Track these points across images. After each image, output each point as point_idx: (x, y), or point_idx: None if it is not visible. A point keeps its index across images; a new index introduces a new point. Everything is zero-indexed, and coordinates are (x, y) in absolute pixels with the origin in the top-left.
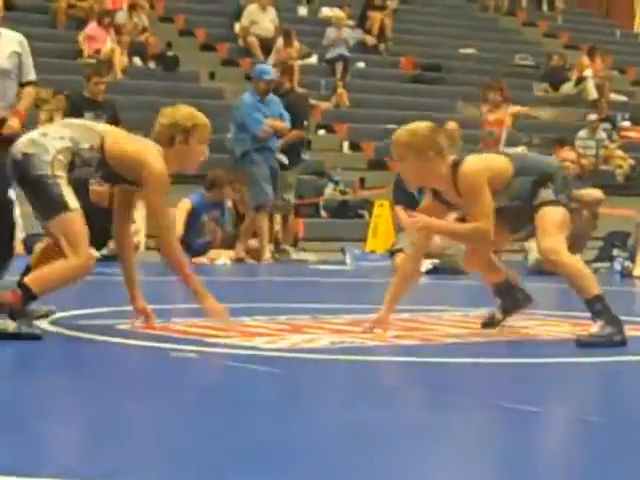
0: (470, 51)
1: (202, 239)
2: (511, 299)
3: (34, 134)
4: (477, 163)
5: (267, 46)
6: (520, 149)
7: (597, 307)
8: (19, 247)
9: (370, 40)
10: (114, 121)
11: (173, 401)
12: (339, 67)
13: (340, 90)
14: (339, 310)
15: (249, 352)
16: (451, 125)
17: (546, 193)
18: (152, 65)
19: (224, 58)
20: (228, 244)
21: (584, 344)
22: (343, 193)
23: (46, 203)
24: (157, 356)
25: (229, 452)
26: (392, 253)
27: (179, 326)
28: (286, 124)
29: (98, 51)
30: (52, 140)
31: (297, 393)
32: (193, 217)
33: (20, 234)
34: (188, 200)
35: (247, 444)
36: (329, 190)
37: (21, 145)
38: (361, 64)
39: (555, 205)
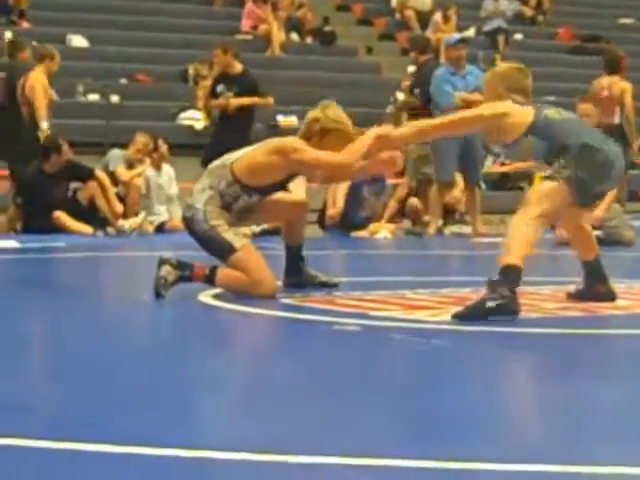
0: (629, 21)
1: (362, 213)
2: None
3: (187, 199)
4: (505, 102)
5: (424, 20)
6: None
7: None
8: (177, 223)
9: (527, 11)
10: (249, 94)
11: (337, 373)
12: (500, 39)
13: (498, 62)
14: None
15: (412, 325)
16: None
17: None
18: (309, 40)
19: (381, 32)
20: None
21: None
22: (503, 166)
23: (217, 251)
24: (320, 329)
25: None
26: (553, 225)
27: (342, 299)
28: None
29: (255, 27)
30: (197, 198)
31: (462, 366)
32: (353, 191)
33: (178, 209)
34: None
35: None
36: (489, 163)
37: (183, 211)
38: (519, 36)
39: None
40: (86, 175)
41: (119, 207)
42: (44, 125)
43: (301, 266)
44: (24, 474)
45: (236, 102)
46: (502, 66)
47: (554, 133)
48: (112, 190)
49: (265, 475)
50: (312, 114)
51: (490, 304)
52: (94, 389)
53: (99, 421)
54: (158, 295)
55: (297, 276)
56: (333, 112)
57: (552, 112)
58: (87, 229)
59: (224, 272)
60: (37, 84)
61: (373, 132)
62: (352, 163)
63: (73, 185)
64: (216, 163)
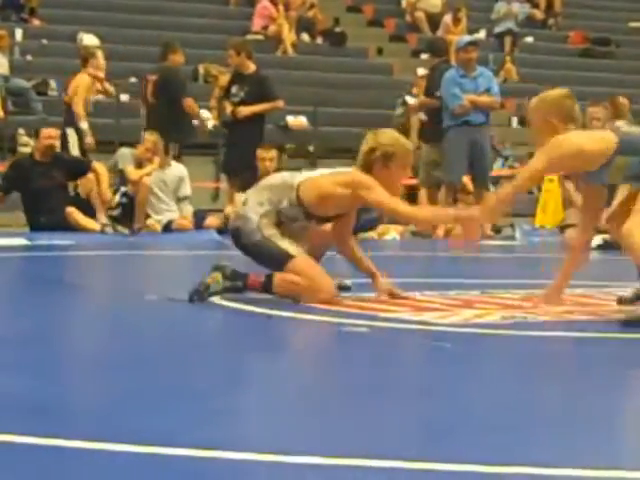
0: (639, 24)
1: (371, 214)
2: None
3: (240, 207)
4: (571, 136)
5: (434, 21)
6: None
7: None
8: (187, 221)
9: (538, 14)
10: (260, 97)
11: (347, 375)
12: (508, 41)
13: (508, 65)
14: (509, 285)
15: (420, 327)
16: (620, 100)
17: None
18: (320, 41)
19: (391, 34)
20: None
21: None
22: (512, 168)
23: (272, 261)
24: (328, 330)
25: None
26: (562, 229)
27: (351, 301)
28: (494, 99)
29: (266, 27)
30: (253, 209)
31: (471, 368)
32: None
33: (189, 208)
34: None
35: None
36: (498, 165)
37: (232, 219)
38: (530, 39)
39: None
40: (84, 168)
41: (108, 195)
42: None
43: None
44: (28, 471)
45: (245, 111)
46: (550, 94)
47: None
48: (107, 181)
49: (275, 476)
50: (367, 146)
51: None
52: (96, 387)
53: (108, 419)
54: (191, 300)
55: None
56: (386, 136)
57: (625, 127)
58: (94, 225)
59: (281, 277)
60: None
61: (458, 215)
62: (418, 221)
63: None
64: (278, 180)
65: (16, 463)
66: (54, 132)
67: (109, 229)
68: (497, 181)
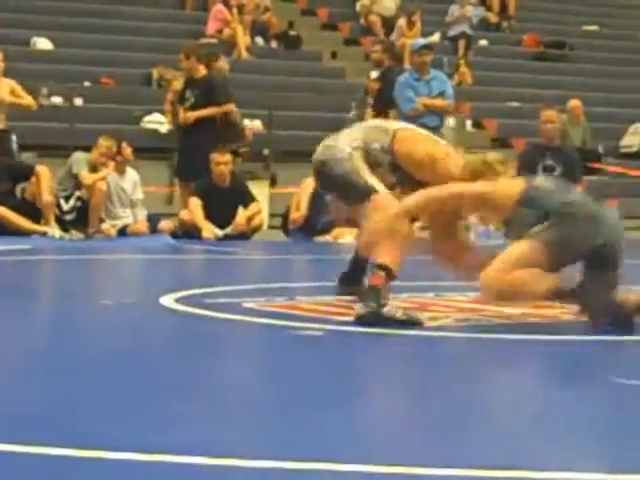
0: (593, 28)
1: (326, 217)
2: None
3: (326, 140)
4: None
5: (389, 25)
6: None
7: None
8: (142, 226)
9: (492, 18)
10: (210, 101)
11: (298, 379)
12: (462, 45)
13: (463, 68)
14: (463, 288)
15: (374, 330)
16: (573, 103)
17: None
18: (274, 45)
19: (346, 37)
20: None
21: None
22: None
23: (357, 195)
24: (282, 334)
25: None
26: None
27: (305, 304)
28: (448, 102)
29: (220, 31)
30: (344, 141)
31: (425, 370)
32: (317, 196)
33: (143, 212)
34: (312, 179)
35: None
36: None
37: (317, 154)
38: (484, 42)
39: None
40: (27, 172)
41: (48, 198)
42: None
43: (362, 278)
44: None
45: (192, 116)
46: (490, 157)
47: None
48: (47, 182)
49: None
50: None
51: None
52: (44, 392)
53: (54, 424)
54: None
55: (357, 287)
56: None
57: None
58: (38, 227)
59: (385, 259)
60: None
61: None
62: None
63: (21, 186)
64: (374, 124)
65: None
66: None
67: (56, 233)
68: None
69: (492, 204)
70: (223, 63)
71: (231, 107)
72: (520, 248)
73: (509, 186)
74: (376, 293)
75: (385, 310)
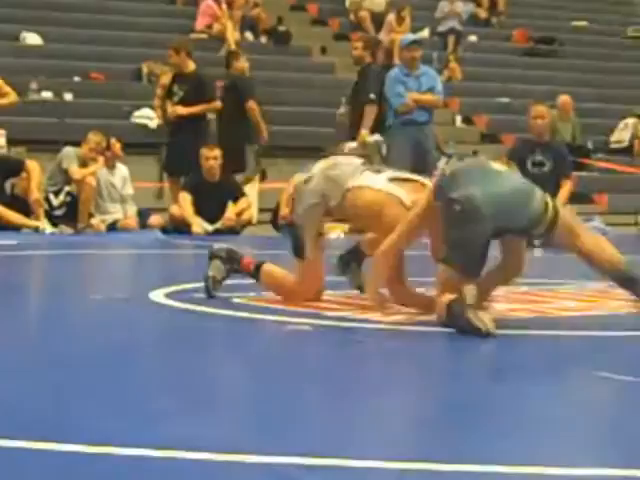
0: (583, 23)
1: None
2: None
3: (301, 174)
4: None
5: (378, 21)
6: None
7: None
8: (132, 221)
9: (482, 13)
10: (199, 97)
11: (284, 374)
12: (451, 40)
13: (452, 64)
14: None
15: (363, 325)
16: (563, 98)
17: None
18: (264, 40)
19: (335, 33)
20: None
21: None
22: None
23: (295, 247)
24: (272, 329)
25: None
26: None
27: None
28: (438, 98)
29: (209, 26)
30: (308, 195)
31: (412, 367)
32: None
33: (132, 208)
34: (302, 175)
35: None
36: (442, 164)
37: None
38: (473, 37)
39: None
40: (17, 168)
41: (36, 194)
42: None
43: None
44: None
45: (180, 111)
46: None
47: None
48: (37, 179)
49: (223, 475)
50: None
51: None
52: (36, 388)
53: (53, 419)
54: (210, 296)
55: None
56: None
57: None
58: (29, 222)
59: (267, 272)
60: None
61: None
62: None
63: (11, 181)
64: (338, 174)
65: None
66: None
67: (46, 228)
68: None
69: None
70: (244, 62)
71: (218, 104)
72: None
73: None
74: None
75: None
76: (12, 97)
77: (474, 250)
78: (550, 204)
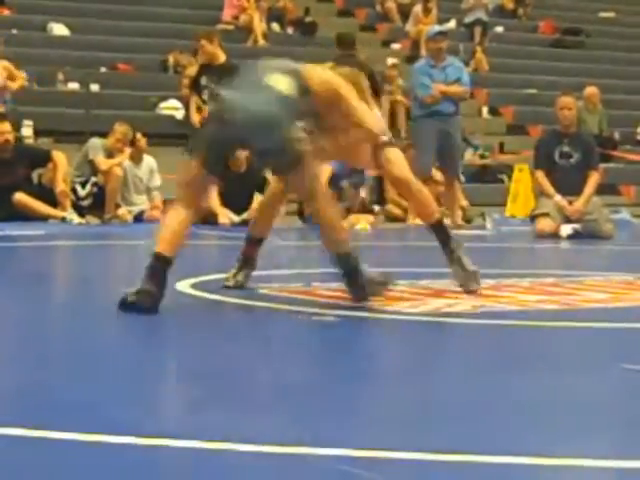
0: (610, 15)
1: (342, 204)
2: None
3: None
4: None
5: (405, 12)
6: None
7: None
8: (159, 212)
9: (508, 4)
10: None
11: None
12: (478, 31)
13: (479, 55)
14: (481, 275)
15: (391, 316)
16: (589, 90)
17: None
18: (290, 31)
19: (362, 24)
20: (367, 209)
21: None
22: (482, 158)
23: None
24: (297, 319)
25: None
26: (533, 217)
27: (320, 290)
28: (464, 89)
29: (236, 17)
30: None
31: (440, 358)
32: (333, 183)
33: (159, 198)
34: (328, 166)
35: (396, 407)
36: (468, 155)
37: None
38: (499, 29)
39: None
40: (44, 158)
41: (62, 185)
42: None
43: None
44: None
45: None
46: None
47: None
48: (63, 170)
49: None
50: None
51: None
52: (77, 379)
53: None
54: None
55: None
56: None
57: None
58: (56, 212)
59: None
60: None
61: None
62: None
63: (38, 171)
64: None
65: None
66: (7, 126)
67: (73, 219)
68: (464, 171)
69: None
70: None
71: None
72: None
73: None
74: None
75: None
76: (21, 81)
77: (212, 147)
78: (297, 147)
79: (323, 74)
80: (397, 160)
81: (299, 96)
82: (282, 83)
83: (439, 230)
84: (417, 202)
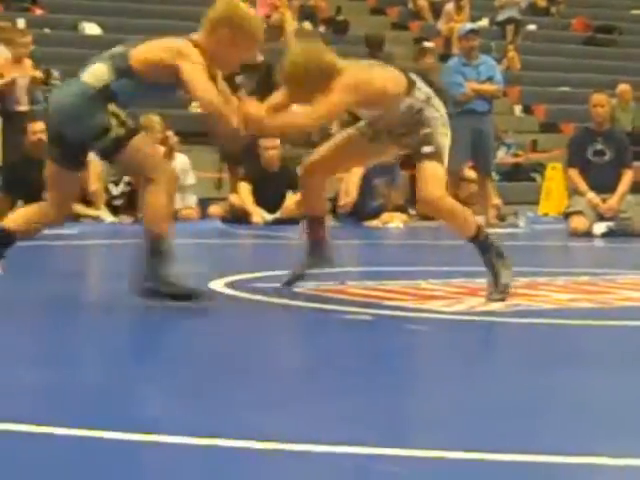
0: None
1: (375, 202)
2: None
3: None
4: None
5: (437, 9)
6: None
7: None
8: (192, 211)
9: (541, 2)
10: (271, 88)
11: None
12: (510, 30)
13: (511, 53)
14: (513, 273)
15: (425, 315)
16: (622, 87)
17: None
18: (322, 29)
19: (394, 22)
20: (400, 208)
21: None
22: (515, 156)
23: None
24: (331, 318)
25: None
26: (566, 216)
27: (354, 289)
28: (497, 87)
29: (268, 16)
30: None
31: (476, 357)
32: (366, 181)
33: (193, 197)
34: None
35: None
36: (501, 153)
37: None
38: (532, 27)
39: None
40: None
41: (94, 185)
42: None
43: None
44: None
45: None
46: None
47: None
48: (95, 169)
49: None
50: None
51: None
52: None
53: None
54: None
55: None
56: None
57: None
58: (90, 212)
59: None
60: None
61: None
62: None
63: None
64: None
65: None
66: (40, 126)
67: (106, 218)
68: (497, 170)
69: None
70: (433, 59)
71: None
72: None
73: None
74: None
75: None
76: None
77: (52, 141)
78: (113, 133)
79: (155, 48)
80: (429, 179)
81: (115, 79)
82: (95, 72)
83: (476, 243)
84: (449, 223)
